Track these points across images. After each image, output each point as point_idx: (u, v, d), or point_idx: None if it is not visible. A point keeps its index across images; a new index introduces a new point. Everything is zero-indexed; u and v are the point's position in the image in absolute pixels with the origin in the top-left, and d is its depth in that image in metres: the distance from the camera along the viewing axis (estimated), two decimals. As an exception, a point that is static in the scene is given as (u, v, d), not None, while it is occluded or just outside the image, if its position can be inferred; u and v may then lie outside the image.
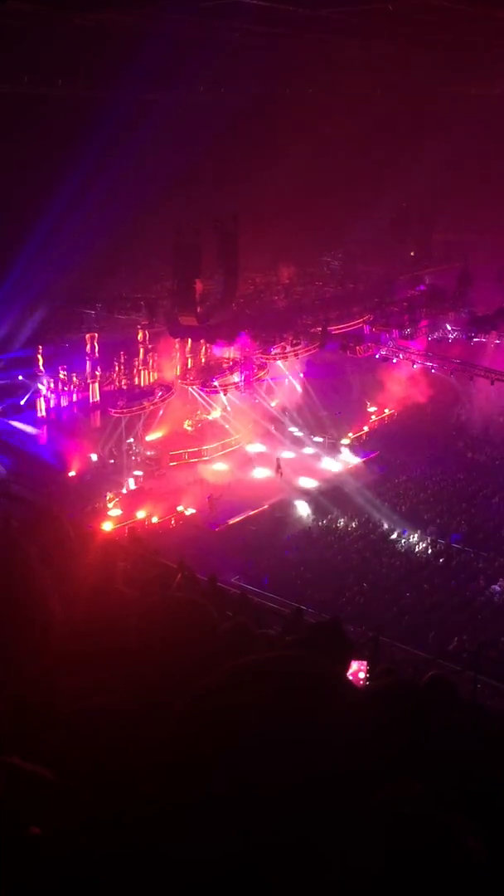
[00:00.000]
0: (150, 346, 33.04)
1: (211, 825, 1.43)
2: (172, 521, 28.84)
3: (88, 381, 31.42)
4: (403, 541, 28.53)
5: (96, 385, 31.64)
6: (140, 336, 32.54)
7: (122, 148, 28.54)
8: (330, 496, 31.64)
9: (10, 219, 27.91)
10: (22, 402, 30.29)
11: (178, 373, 34.30)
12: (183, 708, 1.68)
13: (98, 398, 31.71)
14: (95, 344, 31.50)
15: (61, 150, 28.38)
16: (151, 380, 33.41)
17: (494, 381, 34.33)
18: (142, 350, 32.72)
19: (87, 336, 31.62)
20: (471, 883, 2.02)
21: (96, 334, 31.81)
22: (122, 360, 32.62)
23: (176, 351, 34.33)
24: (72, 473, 29.86)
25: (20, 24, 24.42)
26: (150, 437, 33.30)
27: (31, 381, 30.73)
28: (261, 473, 32.55)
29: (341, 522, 29.77)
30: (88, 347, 31.44)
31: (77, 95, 29.36)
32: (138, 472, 31.56)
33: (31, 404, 30.53)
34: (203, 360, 34.98)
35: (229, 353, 34.78)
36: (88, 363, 31.48)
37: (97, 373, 31.68)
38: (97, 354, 31.58)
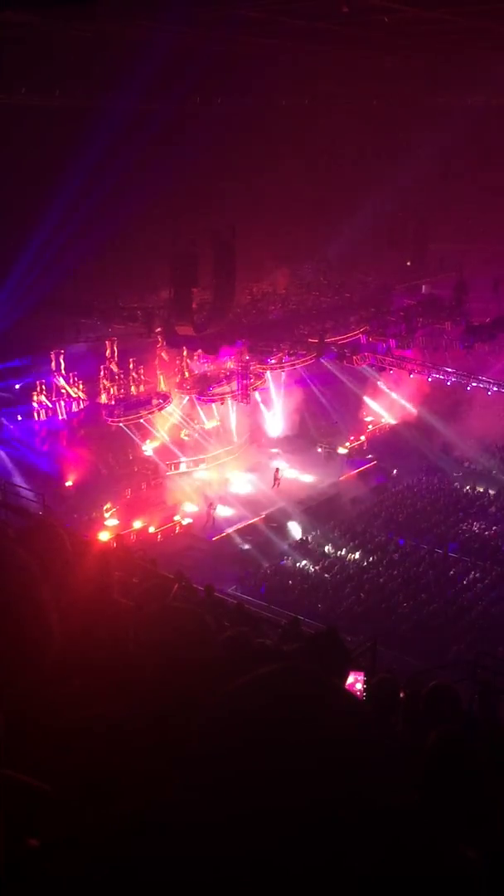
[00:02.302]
0: (114, 359, 32.41)
1: (210, 837, 1.43)
2: (159, 536, 28.72)
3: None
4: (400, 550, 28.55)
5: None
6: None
7: (118, 158, 28.63)
8: (327, 506, 31.69)
9: (7, 228, 27.97)
10: (19, 418, 30.31)
11: (163, 385, 34.08)
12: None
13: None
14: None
15: (58, 160, 28.48)
16: (138, 391, 33.17)
17: (491, 390, 34.44)
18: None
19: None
20: (466, 892, 2.01)
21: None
22: (103, 374, 32.41)
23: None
24: (69, 483, 29.84)
25: (17, 34, 24.53)
26: (149, 446, 33.31)
27: (27, 391, 30.74)
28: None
29: (338, 531, 29.79)
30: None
31: (74, 105, 29.46)
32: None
33: (28, 413, 30.54)
34: (186, 372, 34.67)
35: (209, 364, 34.82)
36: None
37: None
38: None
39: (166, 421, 33.92)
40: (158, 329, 33.63)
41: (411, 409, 38.24)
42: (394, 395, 38.54)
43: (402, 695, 6.45)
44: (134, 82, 26.16)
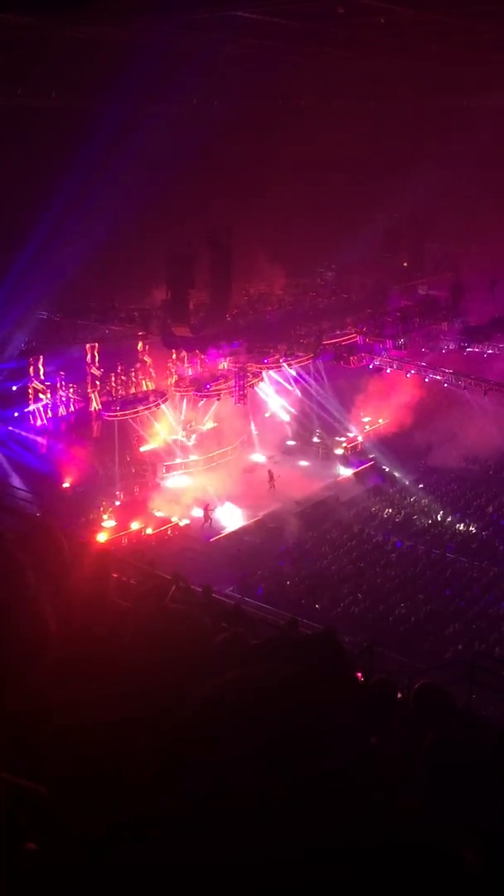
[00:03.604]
0: (94, 364, 31.99)
1: (208, 843, 1.43)
2: (152, 542, 28.68)
3: (89, 390, 31.08)
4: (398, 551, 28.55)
5: (96, 394, 31.30)
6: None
7: (115, 160, 28.64)
8: (324, 506, 31.67)
9: (4, 230, 27.96)
10: (15, 415, 30.25)
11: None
12: (178, 721, 1.68)
13: (100, 406, 31.36)
14: (96, 354, 31.23)
15: (55, 162, 28.48)
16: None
17: (487, 391, 34.43)
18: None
19: (87, 346, 31.35)
20: (465, 894, 2.02)
21: (97, 345, 31.43)
22: (121, 369, 32.30)
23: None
24: (66, 485, 29.81)
25: (13, 35, 24.53)
26: (145, 448, 33.27)
27: (26, 392, 30.69)
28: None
29: (335, 533, 29.77)
30: (89, 357, 31.23)
31: (70, 107, 29.46)
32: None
33: (27, 415, 30.48)
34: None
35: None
36: (91, 371, 31.22)
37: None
38: (97, 364, 31.28)
39: (163, 423, 33.87)
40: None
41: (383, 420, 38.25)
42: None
43: (399, 695, 6.44)
44: (131, 84, 26.16)
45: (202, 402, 34.26)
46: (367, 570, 26.94)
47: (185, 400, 34.33)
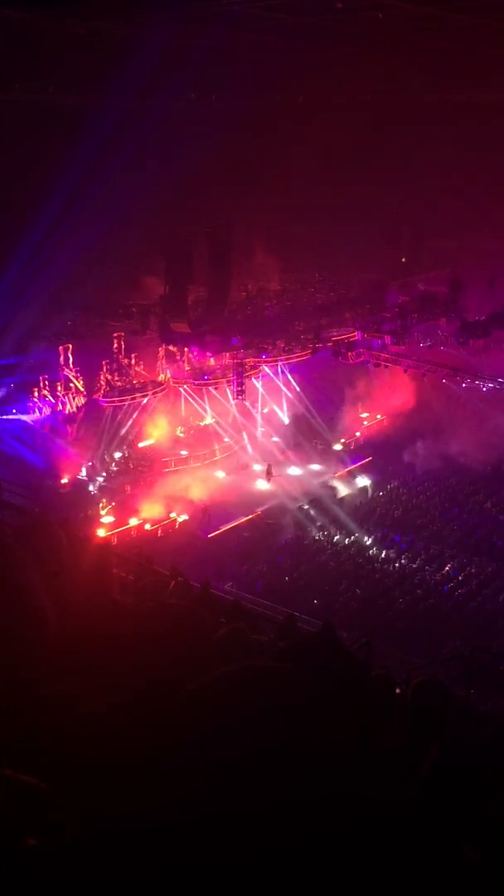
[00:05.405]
0: (68, 365, 31.54)
1: (207, 837, 1.43)
2: (159, 532, 28.74)
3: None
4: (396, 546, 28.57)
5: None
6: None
7: (114, 155, 28.58)
8: (322, 502, 31.69)
9: (3, 226, 27.91)
10: (13, 411, 30.23)
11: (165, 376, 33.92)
12: (170, 714, 1.68)
13: (75, 409, 31.25)
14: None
15: (53, 158, 28.43)
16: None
17: (486, 386, 34.46)
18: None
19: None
20: (465, 889, 2.02)
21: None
22: (106, 368, 32.24)
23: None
24: (64, 480, 29.81)
25: (12, 30, 24.48)
26: (143, 444, 33.27)
27: (21, 388, 30.66)
28: (262, 485, 32.58)
29: (333, 528, 29.80)
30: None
31: (69, 103, 29.42)
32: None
33: (24, 411, 30.45)
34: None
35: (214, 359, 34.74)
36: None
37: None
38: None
39: (161, 419, 33.86)
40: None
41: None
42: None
43: (398, 691, 6.46)
44: (129, 79, 26.10)
45: (216, 394, 34.22)
46: (365, 566, 26.98)
47: (182, 397, 34.35)
